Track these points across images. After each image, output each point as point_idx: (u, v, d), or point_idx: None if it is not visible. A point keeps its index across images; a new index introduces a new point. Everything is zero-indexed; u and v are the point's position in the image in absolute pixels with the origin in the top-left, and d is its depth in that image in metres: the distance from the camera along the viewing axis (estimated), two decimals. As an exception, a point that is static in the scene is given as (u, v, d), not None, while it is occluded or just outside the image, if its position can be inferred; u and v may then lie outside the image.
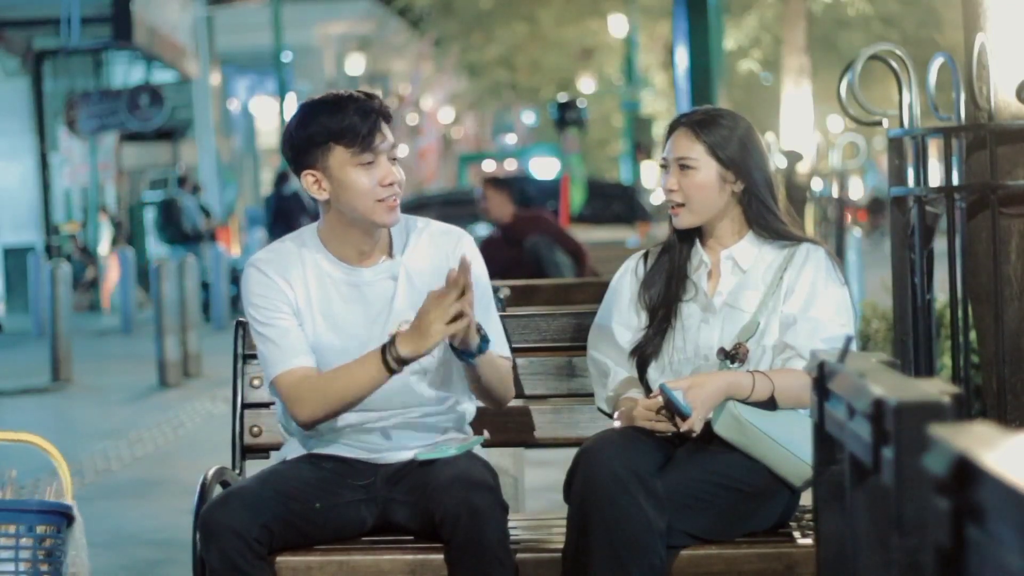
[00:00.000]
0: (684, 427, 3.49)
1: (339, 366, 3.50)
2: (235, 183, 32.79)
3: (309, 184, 3.53)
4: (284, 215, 17.95)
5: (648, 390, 3.68)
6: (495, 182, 10.62)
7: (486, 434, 3.78)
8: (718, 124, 3.68)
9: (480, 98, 31.21)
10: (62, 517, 3.56)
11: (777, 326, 3.62)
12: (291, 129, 3.56)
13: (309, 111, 3.54)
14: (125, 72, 24.73)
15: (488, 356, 3.50)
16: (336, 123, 3.48)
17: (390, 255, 3.62)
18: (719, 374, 3.55)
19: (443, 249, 3.62)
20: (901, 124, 4.38)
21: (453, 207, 16.61)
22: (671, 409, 3.52)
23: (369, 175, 3.49)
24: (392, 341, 3.39)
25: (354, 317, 3.58)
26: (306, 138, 3.51)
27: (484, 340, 3.45)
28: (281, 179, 18.47)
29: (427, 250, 3.63)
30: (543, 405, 3.97)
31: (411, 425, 3.62)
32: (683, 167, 3.68)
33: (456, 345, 3.43)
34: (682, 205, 3.69)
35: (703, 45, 12.69)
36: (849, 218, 9.84)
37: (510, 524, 3.47)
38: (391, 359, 3.40)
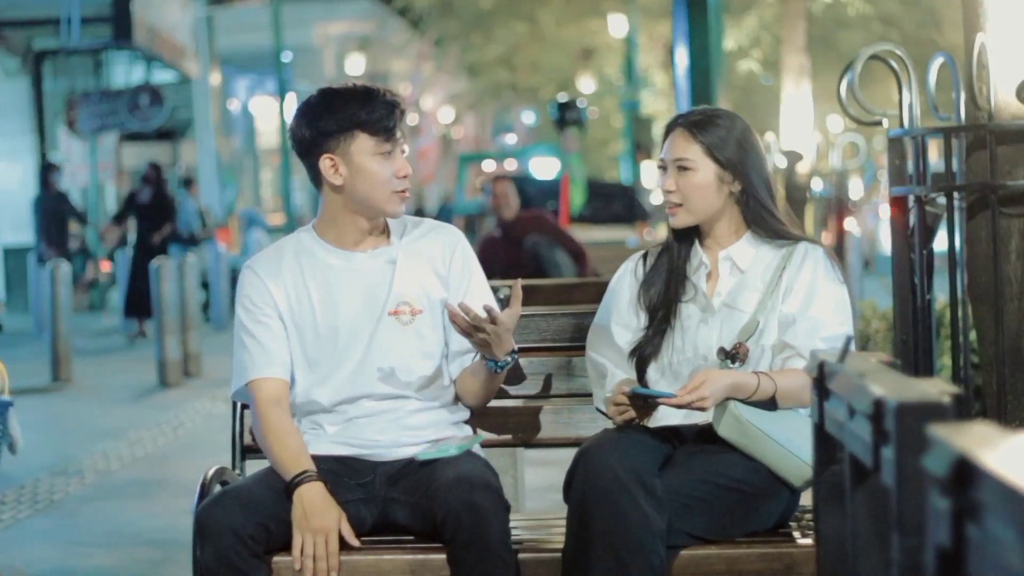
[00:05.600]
0: (688, 399, 3.45)
1: (286, 438, 3.58)
2: (235, 183, 32.80)
3: (326, 168, 3.61)
4: (54, 217, 16.98)
5: (648, 390, 3.69)
6: (512, 179, 10.76)
7: (480, 432, 3.82)
8: (715, 124, 3.68)
9: (480, 98, 31.21)
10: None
11: (776, 326, 3.62)
12: (315, 112, 3.63)
13: (336, 98, 3.63)
14: (125, 72, 24.75)
15: (503, 375, 3.70)
16: (366, 112, 3.59)
17: (387, 242, 3.71)
18: (725, 372, 3.55)
19: (440, 242, 3.72)
20: (901, 124, 4.39)
21: None
22: (646, 403, 3.54)
23: (387, 165, 3.60)
24: (295, 486, 3.47)
25: (355, 299, 3.65)
26: (332, 123, 3.59)
27: (513, 352, 3.60)
28: (47, 176, 17.44)
29: (424, 240, 3.72)
30: (543, 405, 3.96)
31: (409, 423, 3.64)
32: (680, 168, 3.68)
33: (487, 355, 3.58)
34: (680, 205, 3.69)
35: (703, 45, 12.70)
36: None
37: (510, 524, 3.47)
38: (288, 485, 3.50)
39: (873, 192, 31.53)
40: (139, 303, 16.06)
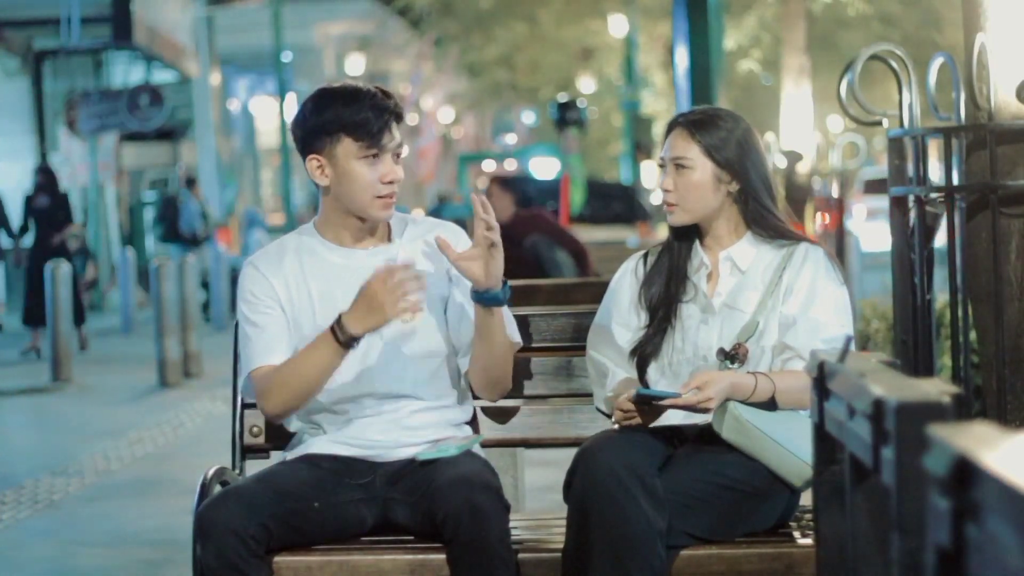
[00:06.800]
0: (694, 399, 3.45)
1: (298, 352, 3.54)
2: (235, 183, 32.81)
3: (312, 168, 3.61)
4: None
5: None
6: (502, 182, 10.71)
7: (480, 432, 3.81)
8: (716, 125, 3.68)
9: (480, 98, 31.24)
10: None
11: (776, 326, 3.62)
12: (305, 113, 3.62)
13: (326, 98, 3.60)
14: (125, 72, 24.74)
15: (501, 320, 3.58)
16: (350, 115, 3.55)
17: (388, 241, 3.70)
18: (725, 373, 3.55)
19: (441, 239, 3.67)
20: (901, 124, 4.38)
21: None
22: (651, 408, 3.52)
23: (372, 169, 3.57)
24: (339, 320, 3.45)
25: (354, 296, 3.61)
26: (318, 124, 3.57)
27: (505, 284, 3.54)
28: None
29: (425, 239, 3.70)
30: (543, 405, 3.96)
31: (409, 423, 3.63)
32: (679, 167, 3.68)
33: (479, 287, 3.51)
34: (676, 204, 3.69)
35: (703, 45, 12.70)
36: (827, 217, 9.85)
37: (510, 524, 3.47)
38: (342, 338, 3.45)
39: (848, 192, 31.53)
40: (37, 312, 14.54)
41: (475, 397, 3.80)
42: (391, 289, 3.39)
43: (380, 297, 3.40)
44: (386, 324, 3.45)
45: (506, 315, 3.64)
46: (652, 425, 3.60)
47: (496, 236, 3.50)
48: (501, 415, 3.94)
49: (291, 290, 3.65)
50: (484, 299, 3.54)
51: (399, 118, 3.61)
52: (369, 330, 3.45)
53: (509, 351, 3.66)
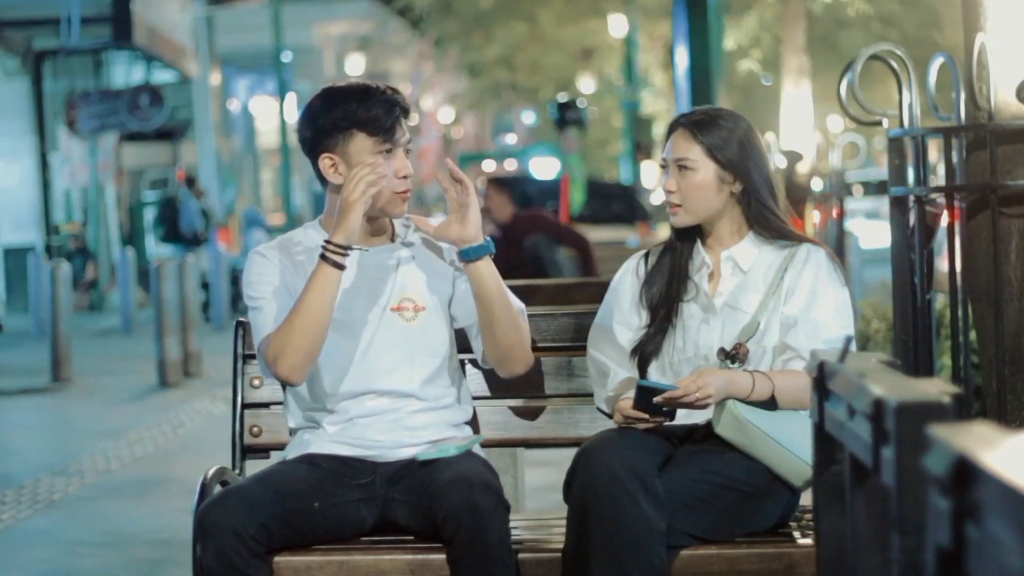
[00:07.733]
0: (693, 387, 3.45)
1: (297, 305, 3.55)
2: (235, 183, 32.82)
3: (326, 167, 3.61)
4: None
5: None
6: (498, 182, 10.69)
7: (480, 432, 3.81)
8: (717, 125, 3.68)
9: (480, 98, 31.22)
10: None
11: (778, 327, 3.62)
12: (314, 112, 3.62)
13: (335, 96, 3.61)
14: (125, 72, 24.77)
15: (495, 279, 3.57)
16: (363, 111, 3.56)
17: (392, 240, 3.71)
18: (722, 371, 3.55)
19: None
20: (901, 124, 4.38)
21: None
22: (650, 406, 3.51)
23: (386, 165, 3.57)
24: (326, 242, 3.51)
25: (357, 294, 3.64)
26: (330, 122, 3.58)
27: (487, 240, 3.58)
28: None
29: (428, 238, 3.70)
30: (543, 405, 3.96)
31: (410, 423, 3.63)
32: (681, 168, 3.68)
33: (460, 245, 3.55)
34: (680, 205, 3.69)
35: (703, 45, 12.69)
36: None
37: (510, 524, 3.47)
38: (331, 254, 3.49)
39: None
40: None
41: (491, 394, 3.80)
42: (351, 185, 3.47)
43: (343, 195, 3.49)
44: (357, 217, 3.48)
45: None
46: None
47: (467, 194, 3.54)
48: (501, 415, 3.94)
49: (298, 281, 3.62)
50: (468, 254, 3.55)
51: (407, 114, 3.63)
52: (348, 233, 3.49)
53: (513, 314, 3.61)
